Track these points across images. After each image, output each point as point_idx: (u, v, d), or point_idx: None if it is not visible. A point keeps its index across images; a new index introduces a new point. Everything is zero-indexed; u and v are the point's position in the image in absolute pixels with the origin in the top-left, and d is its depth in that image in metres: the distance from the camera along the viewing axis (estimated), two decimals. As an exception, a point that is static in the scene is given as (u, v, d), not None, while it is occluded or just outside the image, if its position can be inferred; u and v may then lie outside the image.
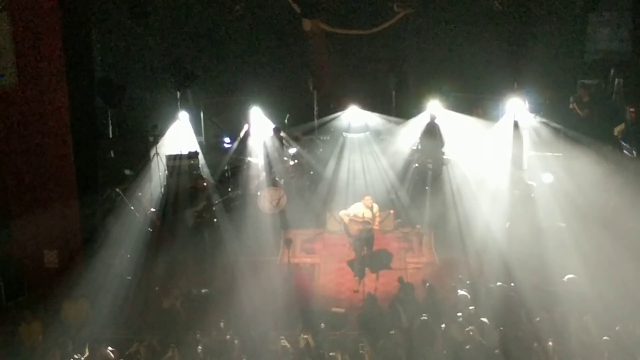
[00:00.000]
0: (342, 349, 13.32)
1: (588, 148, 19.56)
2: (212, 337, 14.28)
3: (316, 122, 22.66)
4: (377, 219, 17.70)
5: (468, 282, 16.17)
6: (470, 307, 14.86)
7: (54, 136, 16.05)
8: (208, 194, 18.50)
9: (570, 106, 21.28)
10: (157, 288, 17.08)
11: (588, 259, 16.96)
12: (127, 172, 19.36)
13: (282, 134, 21.19)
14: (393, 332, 13.95)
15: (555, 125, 20.69)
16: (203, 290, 17.34)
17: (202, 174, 20.22)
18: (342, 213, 17.91)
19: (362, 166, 21.26)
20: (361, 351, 13.30)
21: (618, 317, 14.61)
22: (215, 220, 18.64)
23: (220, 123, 22.66)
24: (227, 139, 22.43)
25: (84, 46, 17.10)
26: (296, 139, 21.83)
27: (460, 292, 15.50)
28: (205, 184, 18.98)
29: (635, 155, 17.58)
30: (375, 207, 17.72)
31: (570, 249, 16.98)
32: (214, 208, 18.49)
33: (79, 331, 14.62)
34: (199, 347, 13.76)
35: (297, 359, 13.48)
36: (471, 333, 13.73)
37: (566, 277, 15.54)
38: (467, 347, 13.48)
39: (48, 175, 16.25)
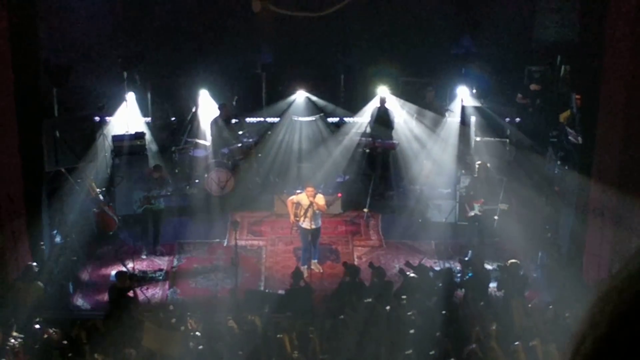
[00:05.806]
0: (289, 332, 13.31)
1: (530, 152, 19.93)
2: (160, 319, 14.17)
3: (264, 104, 22.58)
4: (317, 206, 17.38)
5: (415, 264, 16.25)
6: (416, 291, 14.96)
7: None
8: (163, 182, 18.22)
9: (518, 101, 21.48)
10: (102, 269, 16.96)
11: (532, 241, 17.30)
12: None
13: (228, 113, 21.03)
14: (342, 317, 13.96)
15: (501, 111, 20.88)
16: (152, 274, 17.33)
17: (148, 154, 20.03)
18: (288, 200, 17.87)
19: (311, 149, 21.23)
20: (311, 335, 13.29)
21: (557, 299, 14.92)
22: (162, 208, 18.34)
23: (168, 104, 22.46)
24: (174, 119, 22.32)
25: (29, 25, 16.81)
26: (240, 126, 21.65)
27: (410, 274, 15.54)
28: (164, 173, 18.59)
29: (580, 142, 17.75)
30: (320, 197, 17.39)
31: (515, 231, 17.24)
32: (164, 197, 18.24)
33: (25, 312, 14.44)
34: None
35: (244, 340, 13.46)
36: (413, 317, 13.81)
37: (509, 261, 15.71)
38: (411, 331, 13.54)
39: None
